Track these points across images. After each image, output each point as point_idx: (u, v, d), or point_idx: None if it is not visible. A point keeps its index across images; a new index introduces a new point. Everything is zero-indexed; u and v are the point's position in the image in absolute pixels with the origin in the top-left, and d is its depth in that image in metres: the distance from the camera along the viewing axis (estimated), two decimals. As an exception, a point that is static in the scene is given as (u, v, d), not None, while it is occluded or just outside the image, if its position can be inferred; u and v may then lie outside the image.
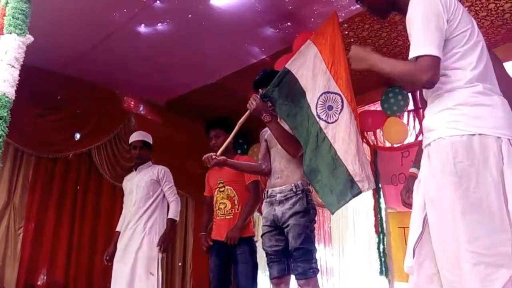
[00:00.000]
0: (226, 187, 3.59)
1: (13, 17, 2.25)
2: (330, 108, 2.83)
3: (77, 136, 4.88)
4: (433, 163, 1.60)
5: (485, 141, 1.52)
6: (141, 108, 5.54)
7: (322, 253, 5.56)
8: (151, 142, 4.11)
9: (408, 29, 1.68)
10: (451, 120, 1.58)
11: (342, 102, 2.82)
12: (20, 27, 2.25)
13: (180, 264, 5.52)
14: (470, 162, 1.51)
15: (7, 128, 2.12)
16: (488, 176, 1.49)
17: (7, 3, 2.35)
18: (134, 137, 4.08)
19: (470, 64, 1.62)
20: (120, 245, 3.84)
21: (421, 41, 1.60)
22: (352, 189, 2.62)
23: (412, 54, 1.61)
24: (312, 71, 2.92)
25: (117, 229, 3.99)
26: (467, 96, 1.59)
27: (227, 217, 3.53)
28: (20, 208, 4.40)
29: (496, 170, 1.50)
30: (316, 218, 2.88)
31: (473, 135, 1.53)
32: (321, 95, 2.86)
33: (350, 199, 2.65)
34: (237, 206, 3.54)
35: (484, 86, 1.60)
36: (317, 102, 2.86)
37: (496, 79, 1.70)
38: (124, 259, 3.75)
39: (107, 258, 3.87)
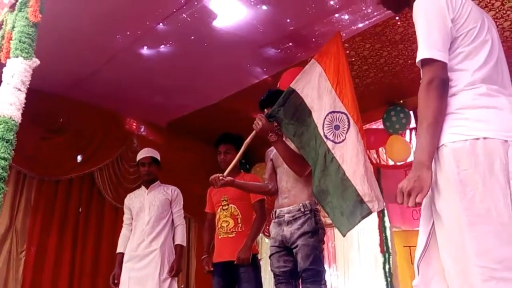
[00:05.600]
0: (230, 205, 3.54)
1: (19, 41, 2.27)
2: (337, 127, 2.83)
3: (79, 158, 4.87)
4: (436, 172, 1.50)
5: (491, 145, 1.41)
6: (143, 129, 5.54)
7: (327, 273, 5.50)
8: (159, 158, 4.05)
9: (416, 28, 1.63)
10: (453, 125, 1.49)
11: (349, 121, 2.82)
12: (26, 50, 2.26)
13: (183, 286, 5.45)
14: (474, 169, 1.40)
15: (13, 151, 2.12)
16: (495, 184, 1.39)
17: (13, 27, 2.37)
18: (142, 154, 4.00)
19: (475, 65, 1.54)
20: (133, 264, 3.73)
21: (423, 44, 1.56)
22: (362, 209, 2.60)
23: (417, 58, 1.57)
24: (317, 90, 2.93)
25: (119, 250, 3.88)
26: (470, 98, 1.50)
27: (229, 235, 3.47)
28: (22, 231, 4.35)
29: (503, 177, 1.39)
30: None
31: (477, 139, 1.42)
32: (327, 114, 2.86)
33: (361, 220, 2.62)
34: (240, 225, 3.48)
35: (488, 87, 1.51)
36: (324, 122, 2.85)
37: (510, 81, 1.61)
38: (143, 280, 3.65)
39: (116, 281, 3.75)
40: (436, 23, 1.55)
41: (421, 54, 1.55)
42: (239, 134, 3.55)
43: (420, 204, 1.46)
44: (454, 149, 1.45)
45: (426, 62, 1.54)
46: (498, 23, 3.57)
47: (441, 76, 1.51)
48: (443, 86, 1.51)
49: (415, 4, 1.63)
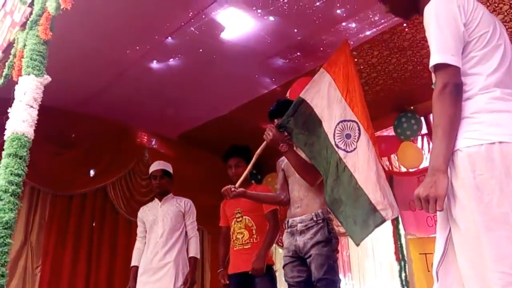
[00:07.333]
0: (244, 217, 3.55)
1: (31, 59, 2.30)
2: (348, 136, 2.82)
3: (92, 172, 4.91)
4: (451, 178, 1.47)
5: (506, 149, 1.39)
6: (154, 142, 5.57)
7: (342, 283, 5.45)
8: (171, 171, 4.06)
9: (426, 33, 1.61)
10: (468, 129, 1.47)
11: (359, 129, 2.81)
12: (38, 68, 2.30)
13: (197, 299, 5.43)
14: (490, 174, 1.38)
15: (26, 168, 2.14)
16: None
17: (24, 45, 2.41)
18: (154, 167, 4.03)
19: (488, 69, 1.53)
20: (148, 277, 3.73)
21: (436, 49, 1.54)
22: (374, 218, 2.58)
23: (430, 64, 1.55)
24: (327, 100, 2.93)
25: (134, 263, 3.88)
26: (484, 102, 1.48)
27: (245, 247, 3.48)
28: (37, 246, 4.38)
29: None
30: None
31: (493, 143, 1.40)
32: (338, 124, 2.86)
33: (374, 229, 2.60)
34: (255, 236, 3.49)
35: (502, 91, 1.49)
36: (335, 131, 2.85)
37: None
38: None
39: None
40: (448, 28, 1.54)
41: (434, 59, 1.53)
42: (246, 145, 3.57)
43: (441, 210, 1.44)
44: (469, 153, 1.43)
45: (439, 67, 1.53)
46: (507, 27, 3.53)
47: (454, 81, 1.50)
48: (457, 90, 1.50)
49: (426, 10, 1.61)
